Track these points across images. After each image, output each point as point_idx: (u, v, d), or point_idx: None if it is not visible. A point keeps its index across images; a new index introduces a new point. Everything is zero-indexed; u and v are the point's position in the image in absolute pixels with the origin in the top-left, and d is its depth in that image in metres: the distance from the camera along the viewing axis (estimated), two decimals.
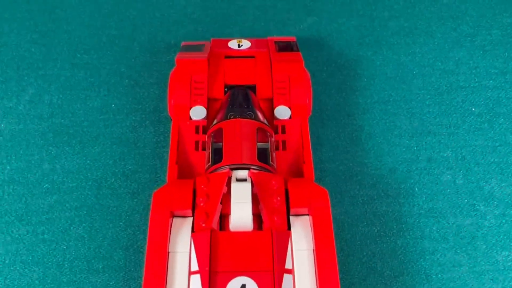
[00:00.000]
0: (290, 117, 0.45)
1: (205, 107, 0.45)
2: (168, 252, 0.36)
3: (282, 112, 0.46)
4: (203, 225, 0.37)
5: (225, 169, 0.39)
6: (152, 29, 0.58)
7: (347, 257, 0.43)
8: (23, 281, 0.42)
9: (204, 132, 0.44)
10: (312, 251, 0.36)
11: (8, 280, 0.42)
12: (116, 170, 0.47)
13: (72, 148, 0.49)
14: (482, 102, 0.53)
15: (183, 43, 0.53)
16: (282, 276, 0.35)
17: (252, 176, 0.39)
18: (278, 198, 0.38)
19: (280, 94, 0.46)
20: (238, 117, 0.42)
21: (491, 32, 0.58)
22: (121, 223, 0.45)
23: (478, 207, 0.46)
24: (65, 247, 0.43)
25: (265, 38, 0.53)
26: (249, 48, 0.50)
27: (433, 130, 0.51)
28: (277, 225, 0.37)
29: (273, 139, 0.43)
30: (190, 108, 0.45)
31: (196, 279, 0.35)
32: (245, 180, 0.39)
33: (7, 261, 0.43)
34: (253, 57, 0.49)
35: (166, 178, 0.43)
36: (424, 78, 0.54)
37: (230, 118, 0.42)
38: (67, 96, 0.52)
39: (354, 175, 0.48)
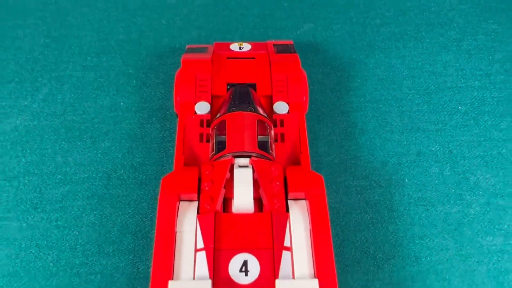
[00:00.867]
0: (288, 112, 0.48)
1: (209, 103, 0.48)
2: (176, 232, 0.39)
3: (281, 107, 0.48)
4: (208, 207, 0.39)
5: (228, 157, 0.42)
6: (158, 35, 0.61)
7: (342, 242, 0.46)
8: (38, 263, 0.44)
9: (208, 125, 0.47)
10: (309, 231, 0.39)
11: (25, 262, 0.44)
12: (125, 163, 0.50)
13: (83, 142, 0.52)
14: (468, 101, 0.56)
15: (188, 46, 0.56)
16: (281, 252, 0.37)
17: (253, 163, 0.42)
18: (277, 183, 0.40)
19: (278, 92, 0.49)
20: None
21: (476, 38, 0.61)
22: (129, 211, 0.47)
23: (464, 196, 0.49)
24: (77, 233, 0.46)
25: (265, 42, 0.56)
26: (250, 50, 0.53)
27: (422, 126, 0.53)
28: (277, 208, 0.39)
29: (272, 132, 0.46)
30: (195, 104, 0.48)
31: (202, 256, 0.37)
32: (246, 166, 0.42)
33: (23, 245, 0.45)
34: (253, 58, 0.52)
35: (173, 169, 0.45)
36: (414, 79, 0.57)
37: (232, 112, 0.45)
38: (79, 95, 0.55)
39: (348, 168, 0.50)
